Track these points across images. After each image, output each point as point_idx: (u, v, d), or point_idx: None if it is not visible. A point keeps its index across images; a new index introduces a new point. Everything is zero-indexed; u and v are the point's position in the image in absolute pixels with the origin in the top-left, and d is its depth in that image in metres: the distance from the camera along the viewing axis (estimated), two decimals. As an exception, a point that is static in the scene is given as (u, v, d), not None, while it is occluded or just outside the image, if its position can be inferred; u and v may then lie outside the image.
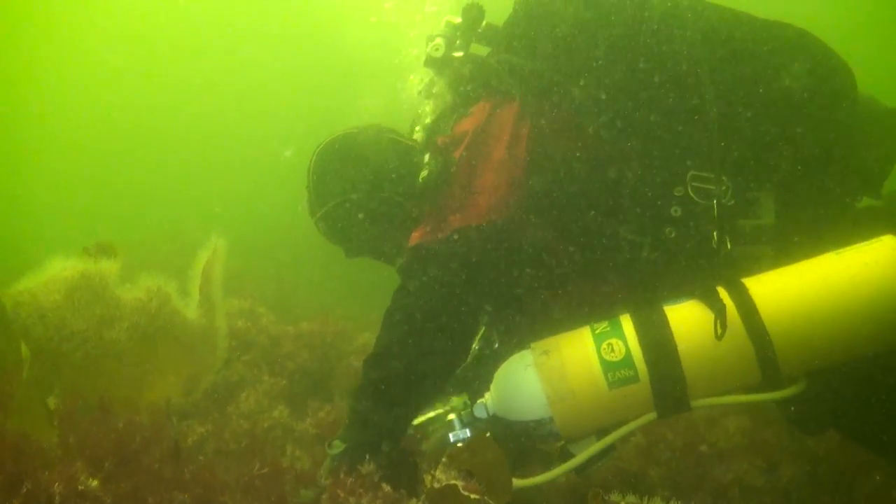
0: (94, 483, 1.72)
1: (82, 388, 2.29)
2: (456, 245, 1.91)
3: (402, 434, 1.99)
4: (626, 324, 1.79)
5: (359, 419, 1.94)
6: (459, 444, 1.87)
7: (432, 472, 1.71)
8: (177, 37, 20.48)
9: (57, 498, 1.62)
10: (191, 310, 2.61)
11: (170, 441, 2.09)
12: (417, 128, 2.32)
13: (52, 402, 2.31)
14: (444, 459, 1.73)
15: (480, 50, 2.28)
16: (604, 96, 1.98)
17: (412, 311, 1.92)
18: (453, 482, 1.64)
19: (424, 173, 1.97)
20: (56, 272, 2.29)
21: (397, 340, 1.93)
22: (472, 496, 1.58)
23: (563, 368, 1.77)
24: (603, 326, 1.82)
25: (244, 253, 6.73)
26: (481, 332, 2.18)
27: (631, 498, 1.66)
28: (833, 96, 1.97)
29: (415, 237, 1.98)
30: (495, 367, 1.94)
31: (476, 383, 2.02)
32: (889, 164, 2.06)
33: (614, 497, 1.70)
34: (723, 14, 2.07)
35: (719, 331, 1.69)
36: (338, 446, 1.92)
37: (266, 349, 4.21)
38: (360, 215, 2.30)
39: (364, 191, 2.28)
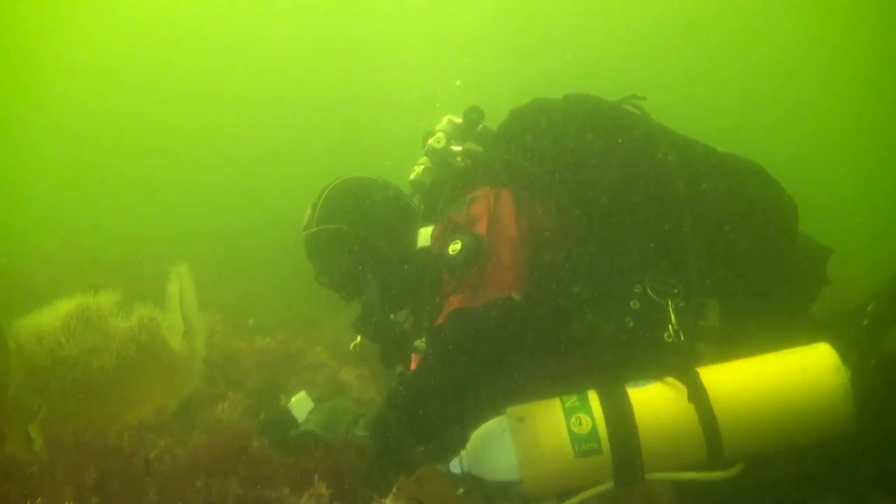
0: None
1: (67, 409, 2.42)
2: (493, 312, 2.15)
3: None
4: (594, 400, 2.02)
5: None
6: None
7: (383, 500, 1.88)
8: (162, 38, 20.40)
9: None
10: (175, 337, 2.74)
11: (143, 461, 2.22)
12: (417, 198, 2.60)
13: (33, 429, 2.41)
14: (394, 490, 1.90)
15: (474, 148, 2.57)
16: (581, 195, 2.29)
17: (455, 364, 2.17)
18: (402, 511, 1.81)
19: (457, 246, 2.18)
20: (58, 306, 2.45)
21: (441, 385, 2.19)
22: None
23: (535, 436, 1.99)
24: (572, 400, 2.04)
25: (203, 261, 6.78)
26: None
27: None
28: (779, 229, 2.31)
29: (454, 302, 2.21)
30: (474, 427, 2.15)
31: (454, 444, 2.20)
32: (815, 291, 2.40)
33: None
34: (690, 144, 2.39)
35: (684, 411, 1.95)
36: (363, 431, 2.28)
37: (222, 365, 4.31)
38: (348, 247, 2.56)
39: (362, 230, 2.55)
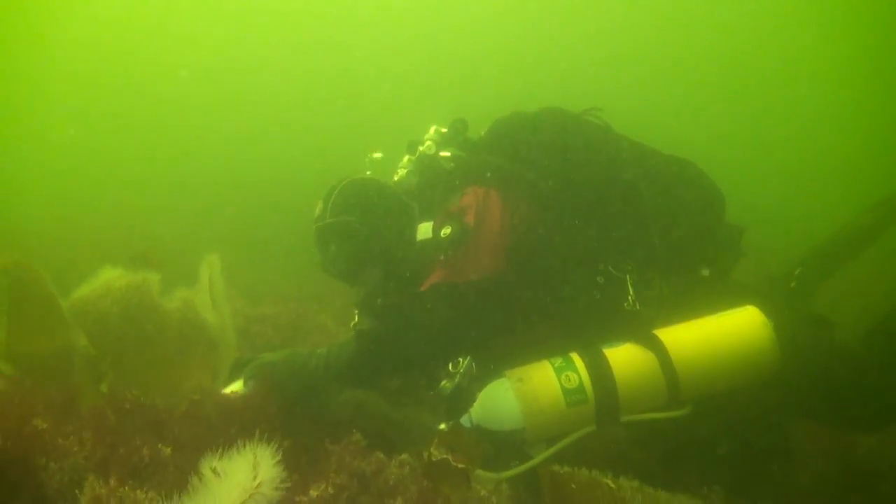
0: (168, 450, 2.17)
1: (136, 382, 2.79)
2: (468, 288, 2.60)
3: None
4: (577, 360, 2.47)
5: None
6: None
7: (429, 449, 2.34)
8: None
9: (146, 459, 2.10)
10: (209, 314, 3.13)
11: (209, 420, 2.62)
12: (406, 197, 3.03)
13: (104, 386, 2.78)
14: (435, 440, 2.34)
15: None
16: (557, 193, 2.74)
17: (426, 320, 2.63)
18: (444, 456, 2.27)
19: (448, 230, 2.62)
20: (109, 281, 2.73)
21: (405, 337, 2.67)
22: (459, 465, 2.20)
23: (534, 392, 2.43)
24: (559, 362, 2.49)
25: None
26: (466, 362, 2.76)
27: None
28: (709, 216, 2.81)
29: (438, 275, 2.65)
30: (477, 389, 2.58)
31: (462, 404, 2.62)
32: (733, 262, 2.88)
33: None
34: (641, 149, 2.88)
35: (650, 366, 2.44)
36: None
37: (240, 328, 4.72)
38: (357, 238, 2.95)
39: (370, 226, 2.94)
